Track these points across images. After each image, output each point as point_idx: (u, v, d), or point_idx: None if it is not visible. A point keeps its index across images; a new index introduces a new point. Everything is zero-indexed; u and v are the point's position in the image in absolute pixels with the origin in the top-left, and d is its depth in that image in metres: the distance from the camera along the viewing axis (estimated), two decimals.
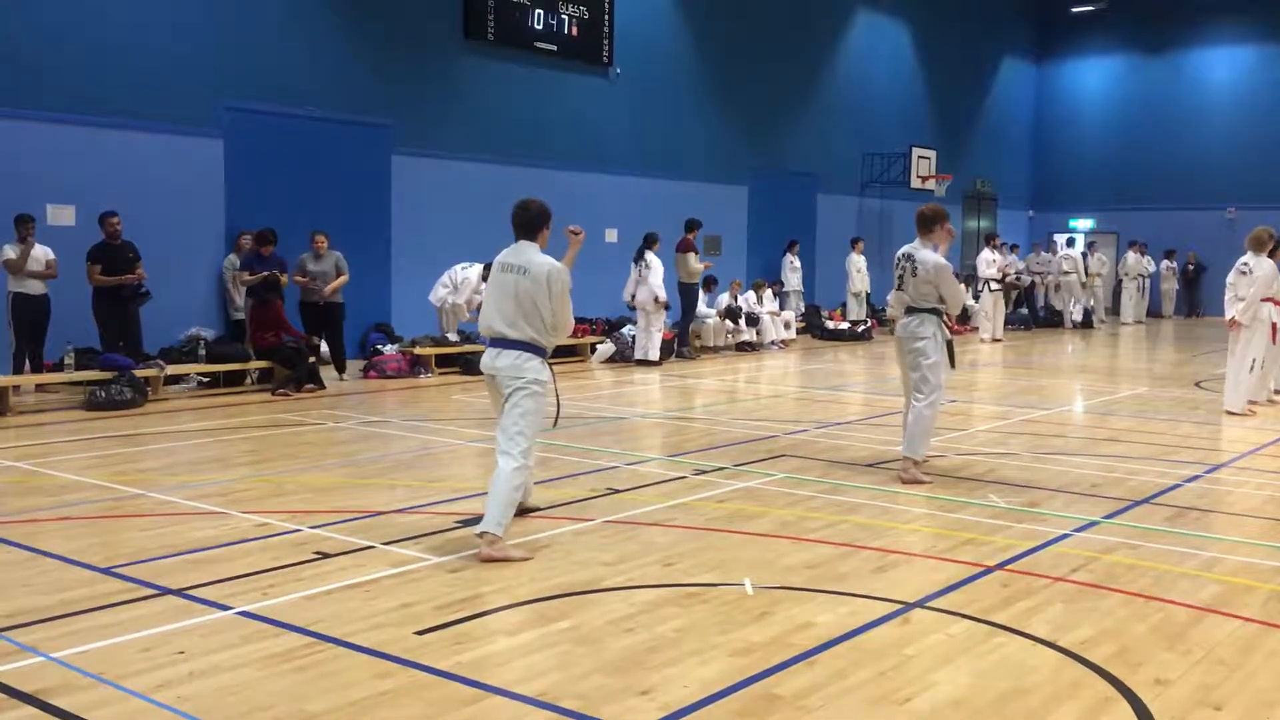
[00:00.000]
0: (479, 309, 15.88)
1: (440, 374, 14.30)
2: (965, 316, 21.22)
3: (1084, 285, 25.27)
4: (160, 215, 13.37)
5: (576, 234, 6.38)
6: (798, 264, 21.82)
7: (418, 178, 16.26)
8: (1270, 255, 11.21)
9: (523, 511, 6.42)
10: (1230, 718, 3.87)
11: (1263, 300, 11.12)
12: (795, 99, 23.20)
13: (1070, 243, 26.68)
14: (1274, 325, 11.24)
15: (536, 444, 6.11)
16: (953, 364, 7.97)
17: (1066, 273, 25.04)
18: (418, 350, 14.37)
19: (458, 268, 15.33)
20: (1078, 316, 24.95)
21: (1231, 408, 11.22)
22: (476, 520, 6.23)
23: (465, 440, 9.42)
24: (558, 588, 5.23)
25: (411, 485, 7.50)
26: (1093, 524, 6.60)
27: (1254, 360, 11.19)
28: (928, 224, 7.87)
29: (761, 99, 22.20)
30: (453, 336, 15.05)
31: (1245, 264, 11.23)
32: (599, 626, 4.70)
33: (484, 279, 14.69)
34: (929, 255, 7.78)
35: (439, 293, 15.38)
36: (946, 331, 7.89)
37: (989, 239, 22.84)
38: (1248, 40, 28.80)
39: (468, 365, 14.36)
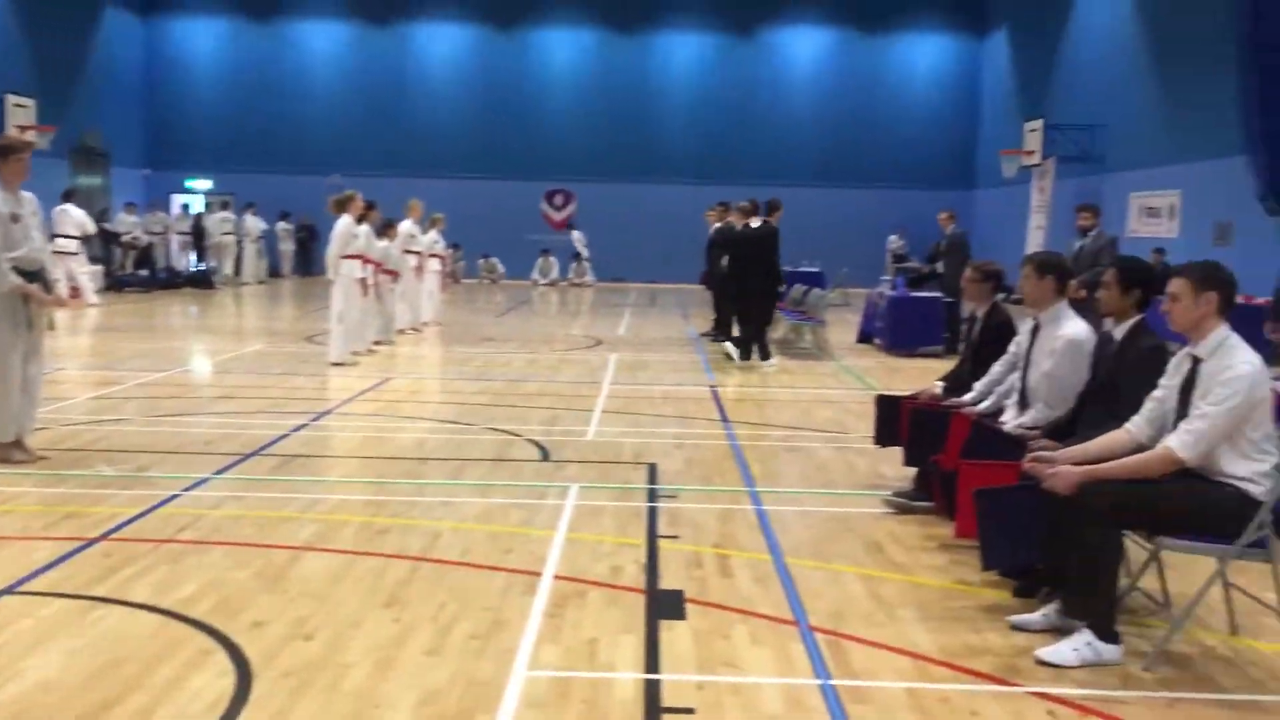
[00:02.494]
0: None
1: None
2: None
3: (212, 247, 25.90)
4: None
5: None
6: None
7: None
8: (362, 219, 12.32)
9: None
10: (320, 645, 4.19)
11: (349, 258, 12.16)
12: None
13: (224, 205, 28.44)
14: (362, 281, 12.37)
15: None
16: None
17: (228, 233, 26.33)
18: None
19: None
20: (229, 271, 26.34)
21: (332, 359, 12.07)
22: None
23: None
24: None
25: None
26: (203, 481, 6.66)
27: (338, 313, 12.12)
28: None
29: None
30: None
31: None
32: None
33: None
34: None
35: None
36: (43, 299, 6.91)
37: (68, 195, 20.41)
38: (343, 16, 31.15)
39: None
